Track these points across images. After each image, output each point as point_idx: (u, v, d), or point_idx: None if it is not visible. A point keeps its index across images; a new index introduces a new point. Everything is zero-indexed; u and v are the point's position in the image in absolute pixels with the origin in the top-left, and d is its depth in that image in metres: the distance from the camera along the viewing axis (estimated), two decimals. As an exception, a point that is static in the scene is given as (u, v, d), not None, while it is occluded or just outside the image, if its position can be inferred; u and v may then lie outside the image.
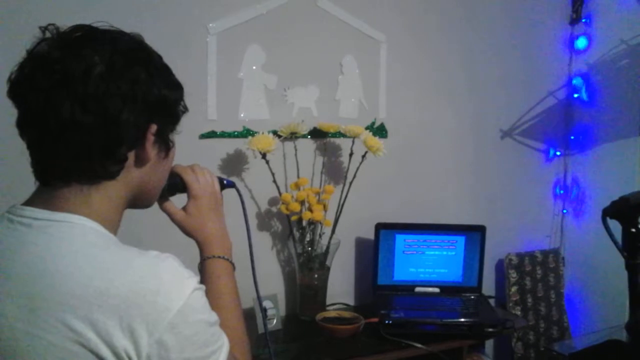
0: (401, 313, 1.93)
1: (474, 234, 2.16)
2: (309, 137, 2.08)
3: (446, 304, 2.06)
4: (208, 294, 0.90)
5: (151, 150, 0.84)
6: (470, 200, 2.48)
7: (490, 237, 2.16)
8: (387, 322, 1.87)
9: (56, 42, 0.78)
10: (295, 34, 2.03)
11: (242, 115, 1.97)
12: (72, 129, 0.76)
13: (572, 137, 2.67)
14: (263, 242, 2.07)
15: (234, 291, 0.99)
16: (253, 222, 2.04)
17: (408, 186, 2.32)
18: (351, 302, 2.25)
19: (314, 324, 1.91)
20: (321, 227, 2.03)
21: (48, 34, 0.79)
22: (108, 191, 0.82)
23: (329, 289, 2.06)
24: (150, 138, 0.82)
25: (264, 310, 1.24)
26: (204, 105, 1.89)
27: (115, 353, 0.71)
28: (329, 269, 2.04)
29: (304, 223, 1.98)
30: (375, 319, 1.89)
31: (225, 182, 1.11)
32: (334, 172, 2.14)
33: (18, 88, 0.78)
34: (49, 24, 0.79)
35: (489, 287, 2.52)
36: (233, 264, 1.02)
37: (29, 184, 0.83)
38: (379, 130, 2.21)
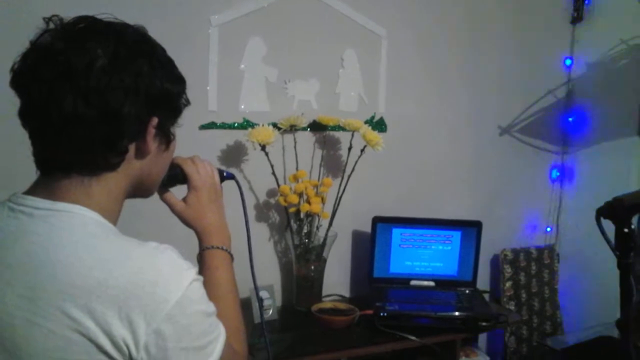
0: (396, 306, 1.95)
1: (470, 229, 2.18)
2: (309, 130, 2.10)
3: (441, 297, 2.09)
4: (206, 284, 0.91)
5: (152, 143, 0.84)
6: (467, 196, 2.50)
7: (486, 232, 2.18)
8: (382, 314, 1.89)
9: (60, 34, 0.77)
10: (297, 27, 2.04)
11: (242, 107, 1.98)
12: (74, 122, 0.76)
13: (570, 136, 2.68)
14: (261, 233, 2.09)
15: (232, 282, 1.00)
16: (251, 213, 2.05)
17: (406, 180, 2.33)
18: (347, 294, 2.27)
19: (309, 315, 1.93)
20: (319, 219, 2.05)
21: (52, 25, 0.79)
22: (108, 182, 0.82)
23: (325, 281, 2.08)
24: (152, 131, 0.83)
25: (260, 301, 1.26)
26: (205, 97, 1.91)
27: (113, 342, 0.72)
28: (325, 260, 2.06)
29: (302, 215, 2.00)
30: (370, 311, 1.91)
31: (225, 173, 1.12)
32: (333, 165, 2.16)
33: (21, 78, 0.78)
34: (53, 15, 0.79)
35: (483, 281, 2.54)
36: (232, 255, 1.03)
37: (30, 174, 0.84)
38: (378, 125, 2.22)
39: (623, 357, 1.16)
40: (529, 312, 2.60)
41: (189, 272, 0.78)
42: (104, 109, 0.76)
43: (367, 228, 2.15)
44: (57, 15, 0.79)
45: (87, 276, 0.73)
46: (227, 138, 1.98)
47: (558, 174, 2.72)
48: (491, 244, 2.49)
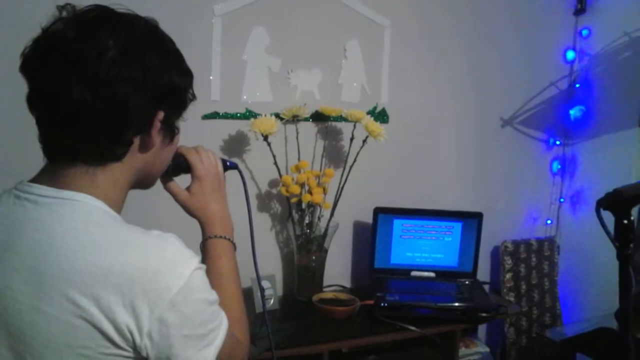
0: (396, 296, 1.96)
1: (471, 220, 2.18)
2: (311, 120, 2.10)
3: (441, 288, 2.10)
4: (209, 273, 0.92)
5: (156, 137, 0.84)
6: (468, 187, 2.50)
7: (486, 223, 2.19)
8: (382, 304, 1.90)
9: (72, 23, 0.78)
10: (300, 17, 2.03)
11: (245, 97, 1.98)
12: (81, 111, 0.76)
13: (572, 127, 2.68)
14: (262, 223, 2.10)
15: (234, 271, 1.01)
16: (253, 203, 2.06)
17: (407, 171, 2.34)
18: (348, 284, 2.28)
19: (310, 305, 1.94)
20: (320, 209, 2.05)
21: (64, 13, 0.79)
22: (113, 172, 0.83)
23: (326, 271, 2.09)
24: (157, 125, 0.83)
25: (262, 290, 1.27)
26: (208, 86, 1.91)
27: (117, 328, 0.73)
28: (326, 251, 2.07)
29: (304, 205, 2.01)
30: (371, 302, 1.93)
31: (228, 163, 1.13)
32: (335, 155, 2.16)
33: (30, 64, 0.79)
34: (67, 3, 0.80)
35: (484, 273, 2.55)
36: (234, 244, 1.04)
37: (33, 161, 0.85)
38: (380, 116, 2.22)
39: (622, 348, 1.17)
40: (529, 304, 2.61)
41: (192, 260, 0.79)
42: (111, 100, 0.77)
43: (369, 219, 2.16)
44: (70, 4, 0.80)
45: (91, 263, 0.73)
46: (230, 128, 1.98)
47: (559, 165, 2.73)
48: (492, 236, 2.49)
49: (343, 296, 2.01)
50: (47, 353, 0.75)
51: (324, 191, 2.02)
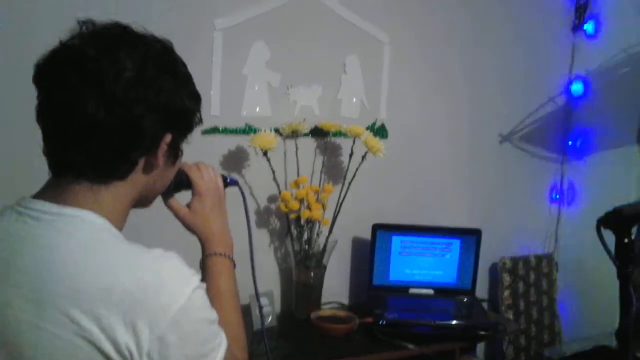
0: (395, 314, 1.95)
1: (470, 237, 2.18)
2: (311, 136, 2.10)
3: (440, 306, 2.09)
4: (209, 291, 0.91)
5: (162, 158, 0.85)
6: (467, 203, 2.50)
7: (485, 240, 2.18)
8: (381, 322, 1.89)
9: (91, 40, 0.78)
10: (301, 33, 2.04)
11: (244, 112, 1.98)
12: (93, 128, 0.77)
13: (571, 144, 2.68)
14: (261, 239, 2.08)
15: (234, 289, 1.01)
16: (252, 219, 2.04)
17: (407, 188, 2.34)
18: (346, 301, 2.27)
19: (309, 322, 1.92)
20: (319, 226, 2.04)
21: (85, 29, 0.79)
22: (117, 191, 0.83)
23: (325, 288, 2.07)
24: (164, 147, 0.84)
25: (261, 308, 1.26)
26: (208, 101, 1.90)
27: (117, 348, 0.72)
28: (325, 267, 2.06)
29: (303, 221, 2.00)
30: (370, 319, 1.91)
31: (228, 180, 1.12)
32: (334, 171, 2.16)
33: (46, 76, 0.79)
34: (87, 20, 0.80)
35: (482, 290, 2.54)
36: (234, 262, 1.04)
37: (35, 178, 0.84)
38: (380, 131, 2.22)
39: (622, 367, 1.16)
40: (528, 322, 2.60)
41: (193, 279, 0.79)
42: (125, 119, 0.77)
43: (368, 235, 2.15)
44: (91, 20, 0.81)
45: (93, 282, 0.73)
46: (230, 143, 1.98)
47: (558, 182, 2.73)
48: (490, 252, 2.48)
49: (342, 314, 2.00)
50: None
51: (323, 207, 2.02)
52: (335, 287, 2.21)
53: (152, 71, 0.79)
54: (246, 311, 1.79)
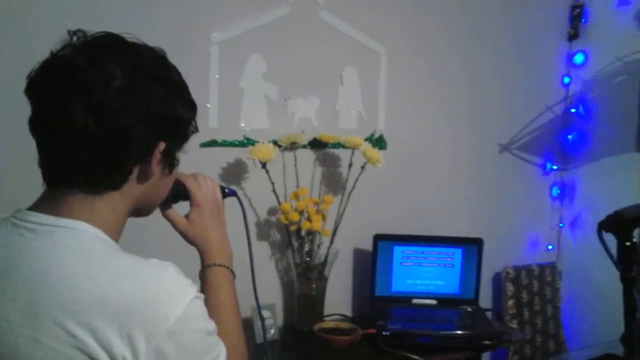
0: (398, 324, 1.93)
1: (472, 246, 2.17)
2: (309, 147, 2.10)
3: (443, 316, 2.07)
4: (208, 301, 0.90)
5: (156, 167, 0.84)
6: (468, 213, 2.49)
7: (487, 249, 2.17)
8: (384, 333, 1.87)
9: (81, 49, 0.78)
10: (297, 45, 2.05)
11: (242, 124, 1.98)
12: (82, 138, 0.76)
13: (569, 152, 2.69)
14: (261, 251, 2.08)
15: (233, 300, 1.00)
16: (252, 231, 2.04)
17: (406, 198, 2.33)
18: (348, 312, 2.25)
19: (311, 334, 1.91)
20: (320, 237, 2.04)
21: (75, 39, 0.80)
22: (111, 201, 0.83)
23: (327, 299, 2.06)
24: (157, 156, 0.83)
25: (262, 320, 1.25)
26: (206, 114, 1.91)
27: (113, 359, 0.71)
28: (327, 279, 2.05)
29: (303, 233, 1.99)
30: (373, 330, 1.90)
31: (227, 190, 1.12)
32: (333, 182, 2.16)
33: (35, 88, 0.79)
34: (78, 30, 0.80)
35: (486, 299, 2.52)
36: (233, 273, 1.03)
37: (32, 190, 0.84)
38: (378, 142, 2.23)
39: (628, 374, 1.15)
40: (532, 331, 2.58)
41: (190, 289, 0.78)
42: (114, 129, 0.77)
43: (368, 246, 2.14)
44: (81, 30, 0.80)
45: (88, 293, 0.72)
46: (228, 155, 1.98)
47: (558, 190, 2.72)
48: (493, 262, 2.47)
49: (344, 325, 1.98)
50: None
51: (323, 218, 2.01)
52: (337, 299, 2.20)
53: (142, 80, 0.79)
54: (248, 324, 1.78)
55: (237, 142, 1.97)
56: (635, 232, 1.16)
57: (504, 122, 2.56)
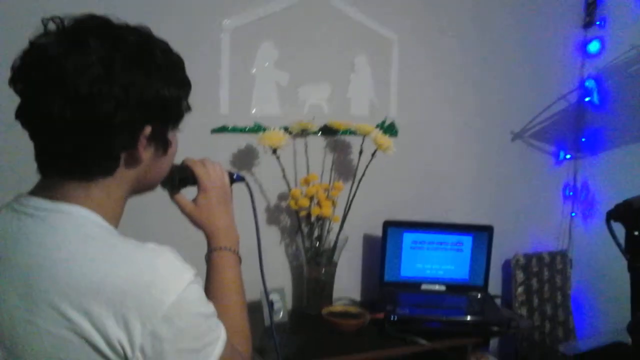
0: (406, 310, 1.95)
1: (482, 233, 2.17)
2: (320, 134, 2.11)
3: (452, 302, 2.08)
4: (213, 284, 0.91)
5: (143, 152, 0.82)
6: (479, 200, 2.49)
7: (498, 237, 2.17)
8: (392, 318, 1.89)
9: (57, 37, 0.76)
10: (308, 32, 2.05)
11: (253, 111, 2.00)
12: (62, 127, 0.75)
13: (583, 141, 2.66)
14: (271, 236, 2.10)
15: (238, 283, 1.00)
16: (262, 216, 2.06)
17: (417, 184, 2.34)
18: (357, 297, 2.27)
19: (320, 318, 1.93)
20: (329, 223, 2.05)
21: (51, 26, 0.77)
22: (105, 187, 0.82)
23: (336, 284, 2.08)
24: (143, 141, 0.81)
25: (270, 303, 1.26)
26: (217, 100, 1.92)
27: (108, 342, 0.72)
28: (336, 264, 2.07)
29: (313, 219, 2.01)
30: (381, 315, 1.91)
31: (235, 176, 1.13)
32: (344, 169, 2.17)
33: (15, 80, 0.78)
34: (53, 17, 0.78)
35: (495, 286, 2.53)
36: (239, 257, 1.04)
37: (35, 180, 0.85)
38: (389, 129, 2.23)
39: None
40: (541, 318, 2.58)
41: (187, 273, 0.78)
42: (92, 117, 0.75)
43: (378, 232, 2.15)
44: (58, 17, 0.78)
45: (84, 276, 0.73)
46: (239, 142, 1.99)
47: (571, 179, 2.71)
48: (503, 249, 2.47)
49: (353, 309, 2.00)
50: None
51: (333, 204, 2.02)
52: (346, 284, 2.22)
53: (119, 65, 0.76)
54: (257, 307, 1.81)
55: (247, 129, 1.99)
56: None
57: (517, 110, 2.54)
